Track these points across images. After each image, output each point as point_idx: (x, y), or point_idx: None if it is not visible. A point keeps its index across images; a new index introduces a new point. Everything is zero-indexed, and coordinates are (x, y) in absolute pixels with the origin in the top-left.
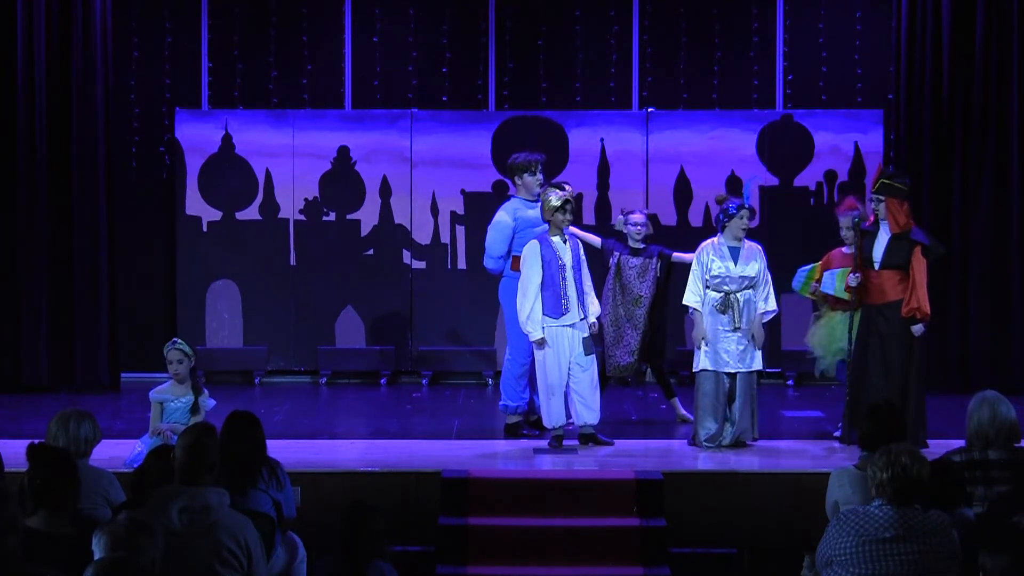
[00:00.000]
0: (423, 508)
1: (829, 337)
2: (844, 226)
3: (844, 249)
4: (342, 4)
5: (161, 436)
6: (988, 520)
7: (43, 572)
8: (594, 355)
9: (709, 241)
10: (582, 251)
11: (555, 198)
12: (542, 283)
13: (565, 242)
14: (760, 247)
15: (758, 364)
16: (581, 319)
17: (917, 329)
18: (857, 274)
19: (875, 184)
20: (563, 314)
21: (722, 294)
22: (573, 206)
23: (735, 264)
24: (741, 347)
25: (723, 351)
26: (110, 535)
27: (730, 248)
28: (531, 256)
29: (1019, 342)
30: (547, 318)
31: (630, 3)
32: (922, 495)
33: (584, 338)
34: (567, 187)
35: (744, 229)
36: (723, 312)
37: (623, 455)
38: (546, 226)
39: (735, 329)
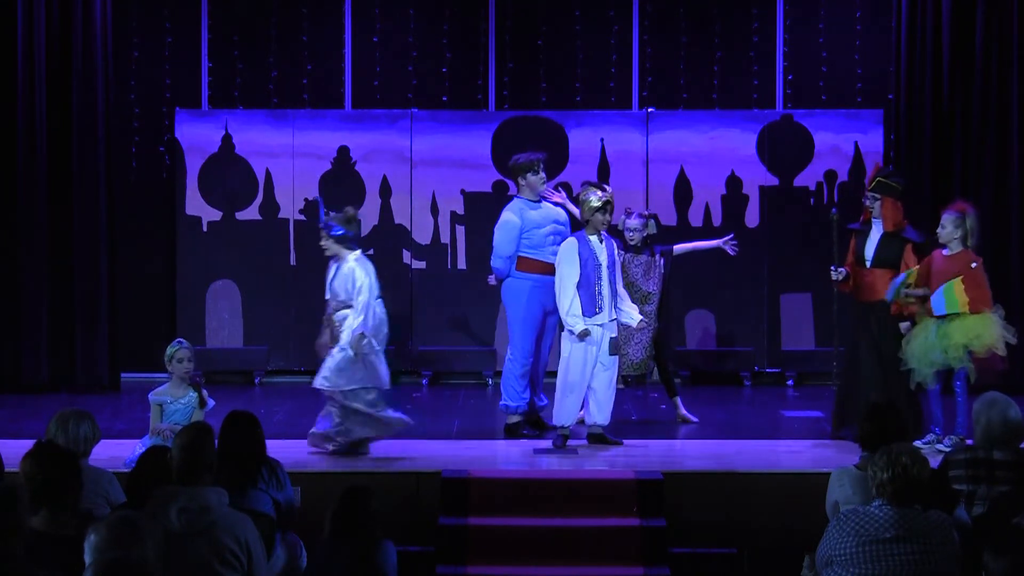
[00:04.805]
0: (423, 508)
1: (923, 348)
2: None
3: (944, 251)
4: (342, 4)
5: (161, 436)
6: (990, 521)
7: (44, 573)
8: (617, 357)
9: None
10: (616, 252)
11: (595, 199)
12: (578, 282)
13: (602, 242)
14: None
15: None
16: (611, 320)
17: (905, 327)
18: (842, 268)
19: (872, 182)
20: (596, 313)
21: None
22: (612, 207)
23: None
24: None
25: None
26: (97, 534)
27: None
28: (569, 253)
29: (1019, 342)
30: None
31: (630, 3)
32: (922, 495)
33: (612, 338)
34: (607, 188)
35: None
36: None
37: (623, 455)
38: (550, 227)
39: None
